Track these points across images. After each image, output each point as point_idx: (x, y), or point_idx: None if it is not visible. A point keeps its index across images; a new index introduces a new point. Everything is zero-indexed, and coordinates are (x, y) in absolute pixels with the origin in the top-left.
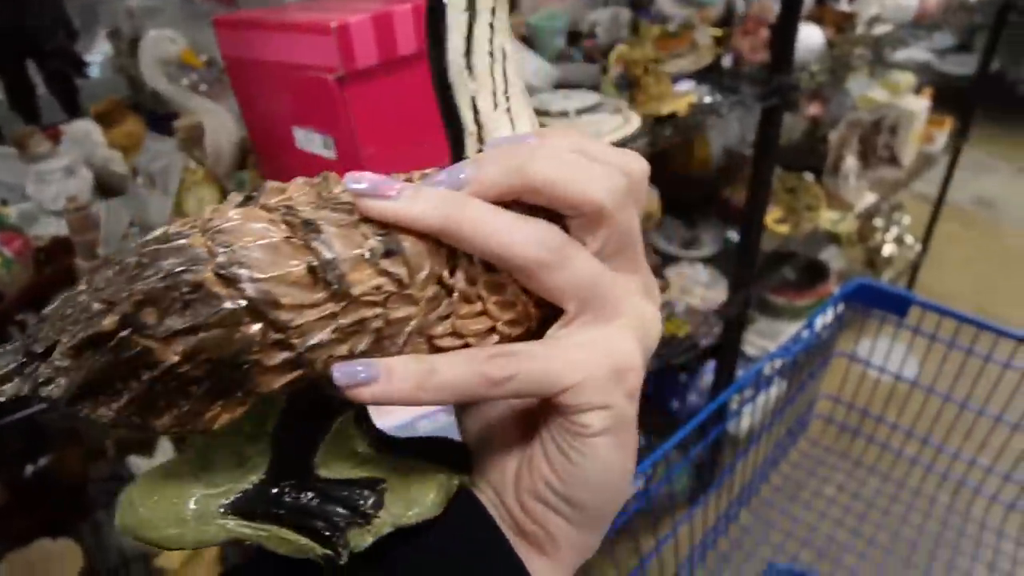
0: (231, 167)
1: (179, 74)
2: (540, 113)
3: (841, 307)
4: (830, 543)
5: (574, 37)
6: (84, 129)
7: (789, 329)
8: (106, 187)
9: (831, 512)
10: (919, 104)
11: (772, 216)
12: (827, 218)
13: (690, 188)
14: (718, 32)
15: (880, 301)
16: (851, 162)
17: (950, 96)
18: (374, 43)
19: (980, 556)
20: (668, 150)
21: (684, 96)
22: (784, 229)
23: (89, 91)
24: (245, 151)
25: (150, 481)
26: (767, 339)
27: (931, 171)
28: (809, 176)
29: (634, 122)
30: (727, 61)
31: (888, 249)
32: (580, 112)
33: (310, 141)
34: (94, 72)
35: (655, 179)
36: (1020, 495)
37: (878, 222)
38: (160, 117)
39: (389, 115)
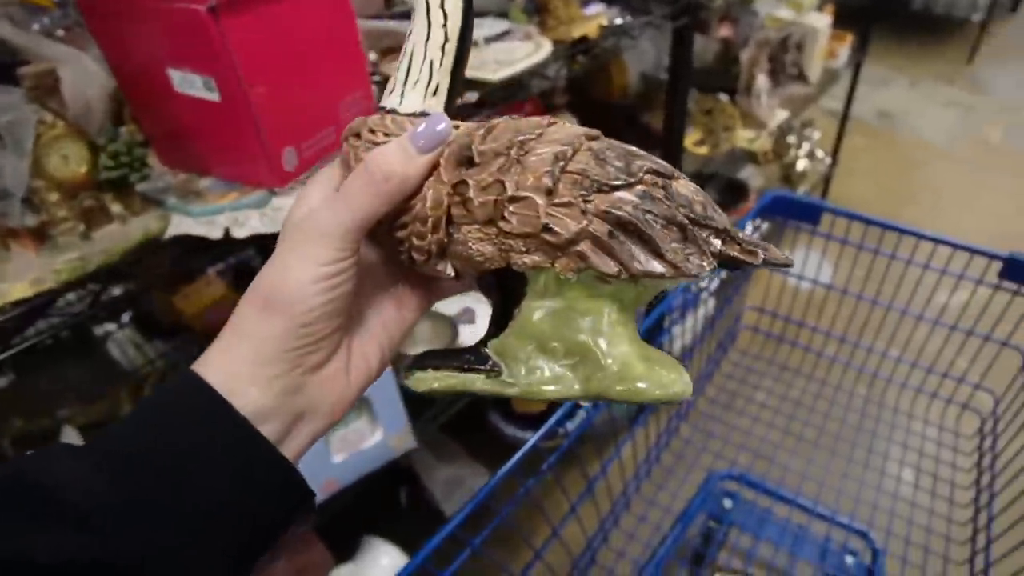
0: (103, 121)
1: (27, 17)
2: None
3: (759, 221)
4: (764, 444)
5: None
6: None
7: None
8: None
9: (763, 416)
10: (822, 21)
11: (691, 139)
12: (743, 137)
13: (610, 115)
14: None
15: (794, 212)
16: (762, 80)
17: (849, 13)
18: None
19: (894, 438)
20: (587, 78)
21: (594, 18)
22: (703, 151)
23: None
24: (121, 102)
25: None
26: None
27: (836, 87)
28: (724, 97)
29: (545, 48)
30: None
31: (802, 164)
32: (489, 40)
33: (189, 83)
34: None
35: (575, 107)
36: (926, 380)
37: (791, 139)
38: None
39: (275, 49)
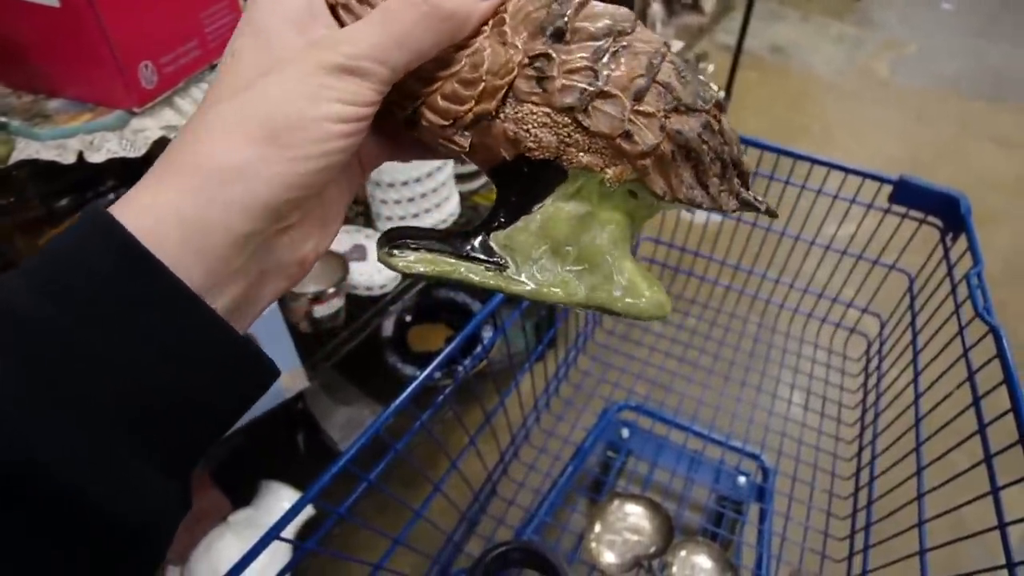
0: None
1: None
2: None
3: None
4: (661, 374)
5: None
6: None
7: None
8: None
9: (660, 345)
10: None
11: None
12: None
13: None
14: None
15: None
16: (657, 8)
17: None
18: None
19: (786, 362)
20: None
21: None
22: None
23: None
24: None
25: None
26: None
27: (730, 21)
28: None
29: None
30: None
31: None
32: None
33: None
34: None
35: None
36: (816, 305)
37: None
38: None
39: None
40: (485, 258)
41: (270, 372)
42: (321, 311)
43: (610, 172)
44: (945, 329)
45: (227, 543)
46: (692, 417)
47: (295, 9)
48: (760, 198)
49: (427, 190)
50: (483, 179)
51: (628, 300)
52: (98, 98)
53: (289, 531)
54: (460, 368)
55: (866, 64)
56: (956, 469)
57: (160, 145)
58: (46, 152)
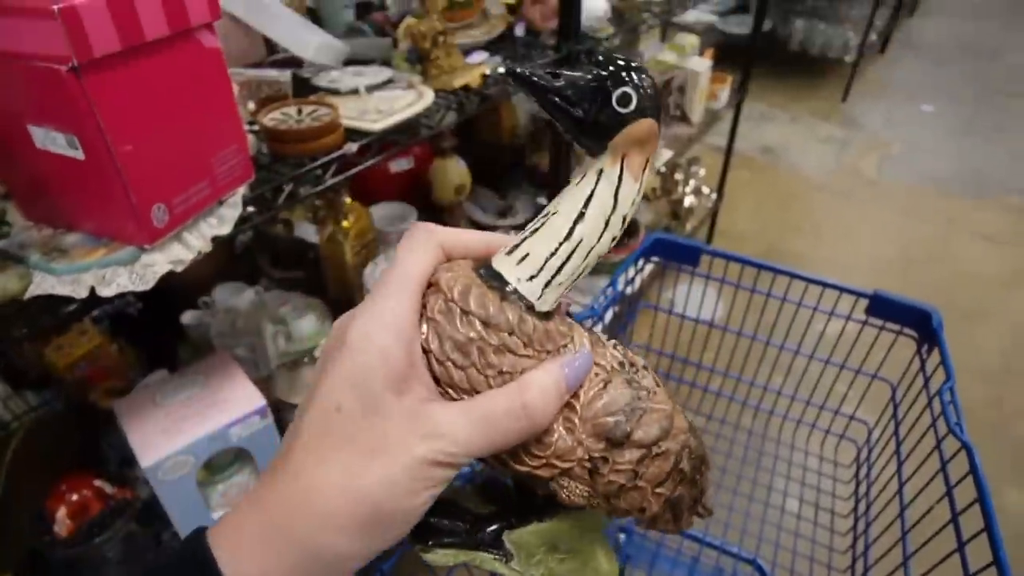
0: None
1: None
2: (330, 92)
3: (642, 263)
4: None
5: (364, 9)
6: None
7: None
8: None
9: None
10: (703, 65)
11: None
12: None
13: (501, 157)
14: (510, 0)
15: (674, 253)
16: None
17: (731, 54)
18: (112, 26)
19: (778, 468)
20: (476, 120)
21: (476, 67)
22: None
23: None
24: None
25: None
26: (588, 295)
27: (719, 125)
28: None
29: (427, 97)
30: (519, 30)
31: (689, 200)
32: (371, 89)
33: (52, 140)
34: None
35: (464, 151)
36: (805, 412)
37: (678, 176)
38: None
39: (143, 105)
40: (496, 552)
41: None
42: None
43: (613, 514)
44: (927, 440)
45: None
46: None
47: (398, 369)
48: (706, 510)
49: None
50: None
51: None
52: (113, 235)
53: None
54: None
55: (853, 164)
56: None
57: (167, 279)
58: (61, 287)
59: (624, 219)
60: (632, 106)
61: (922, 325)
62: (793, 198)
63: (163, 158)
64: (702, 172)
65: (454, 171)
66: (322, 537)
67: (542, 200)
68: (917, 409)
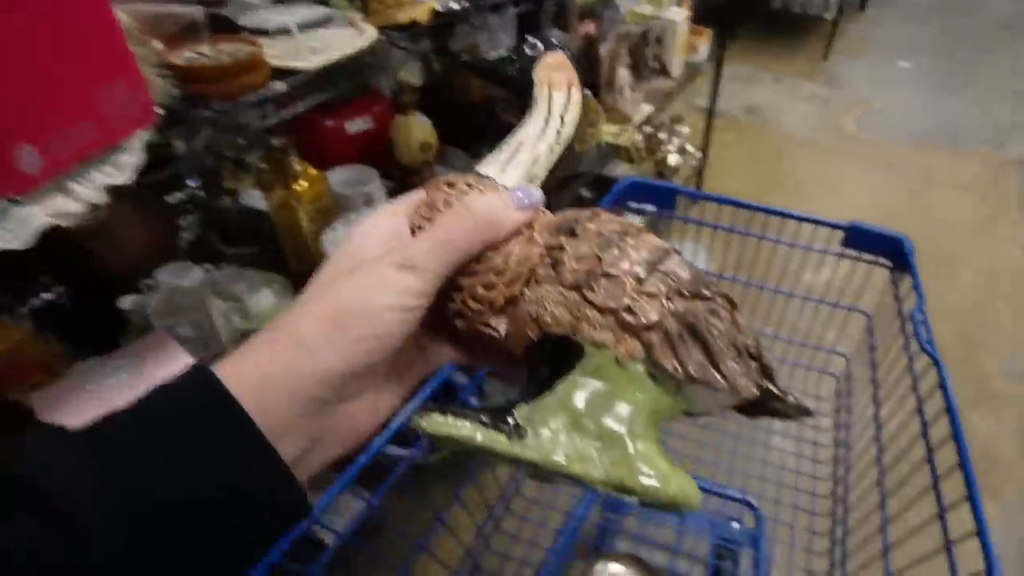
0: None
1: None
2: (257, 33)
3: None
4: None
5: None
6: None
7: None
8: None
9: None
10: (680, 14)
11: None
12: (607, 132)
13: (473, 116)
14: None
15: (650, 196)
16: (623, 74)
17: (710, 12)
18: None
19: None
20: (446, 78)
21: (424, 3)
22: None
23: None
24: None
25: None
26: None
27: (704, 84)
28: (587, 92)
29: (369, 34)
30: None
31: (673, 159)
32: (304, 28)
33: None
34: None
35: (433, 111)
36: (787, 350)
37: (662, 135)
38: None
39: None
40: (505, 427)
41: (308, 511)
42: None
43: (621, 348)
44: (901, 363)
45: None
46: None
47: (385, 233)
48: (788, 392)
49: None
50: None
51: (650, 483)
52: None
53: None
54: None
55: (835, 121)
56: (921, 497)
57: (51, 232)
58: None
59: (562, 119)
60: (539, 48)
61: (895, 253)
62: (777, 156)
63: (23, 89)
64: (686, 131)
65: (417, 128)
66: (299, 325)
67: None
68: (892, 337)
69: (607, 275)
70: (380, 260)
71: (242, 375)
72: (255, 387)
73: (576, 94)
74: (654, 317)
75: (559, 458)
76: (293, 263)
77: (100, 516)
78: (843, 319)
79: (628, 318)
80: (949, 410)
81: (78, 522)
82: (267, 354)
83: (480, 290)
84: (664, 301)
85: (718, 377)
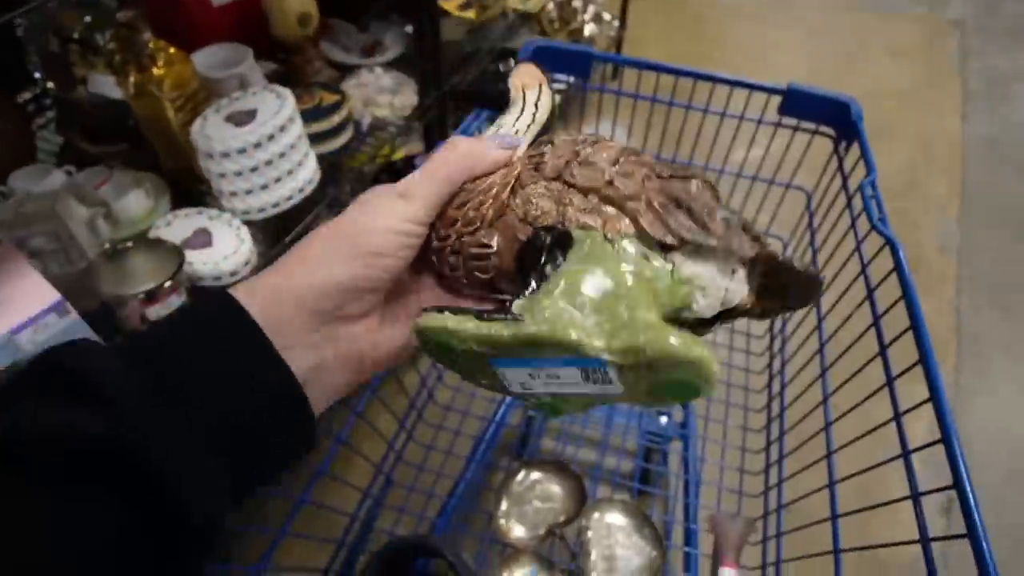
0: None
1: None
2: None
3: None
4: None
5: None
6: None
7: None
8: None
9: None
10: None
11: (454, 2)
12: None
13: None
14: None
15: (561, 62)
16: None
17: None
18: None
19: None
20: None
21: None
22: (470, 14)
23: None
24: None
25: None
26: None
27: None
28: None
29: None
30: None
31: (589, 29)
32: None
33: None
34: None
35: None
36: None
37: (576, 3)
38: None
39: None
40: (503, 316)
41: (315, 442)
42: (158, 311)
43: (608, 227)
44: (845, 244)
45: None
46: None
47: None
48: (792, 257)
49: (272, 155)
50: (346, 137)
51: (653, 342)
52: None
53: None
54: None
55: None
56: (865, 391)
57: None
58: None
59: (536, 106)
60: (511, 64)
61: (839, 119)
62: (702, 25)
63: None
64: None
65: None
66: (308, 245)
67: (410, 30)
68: (834, 215)
69: (584, 162)
70: (382, 192)
71: (255, 290)
72: (265, 299)
73: (547, 89)
74: (634, 187)
75: (558, 324)
76: (164, 160)
77: (138, 407)
78: (779, 198)
79: (610, 192)
80: (907, 297)
81: (119, 409)
82: (277, 272)
83: (471, 212)
84: (643, 180)
85: (710, 237)
